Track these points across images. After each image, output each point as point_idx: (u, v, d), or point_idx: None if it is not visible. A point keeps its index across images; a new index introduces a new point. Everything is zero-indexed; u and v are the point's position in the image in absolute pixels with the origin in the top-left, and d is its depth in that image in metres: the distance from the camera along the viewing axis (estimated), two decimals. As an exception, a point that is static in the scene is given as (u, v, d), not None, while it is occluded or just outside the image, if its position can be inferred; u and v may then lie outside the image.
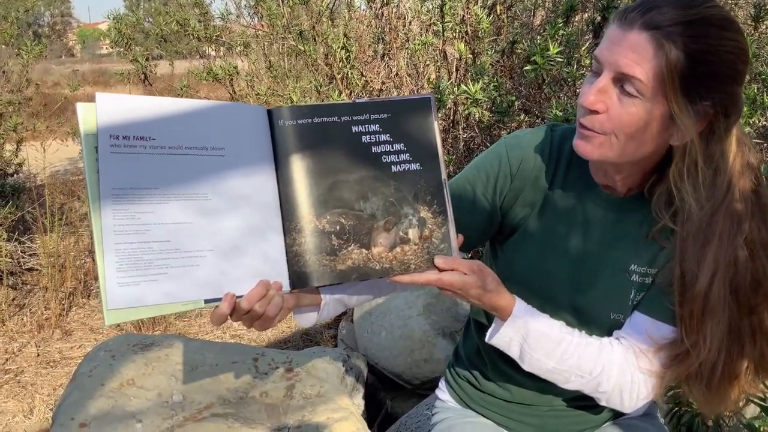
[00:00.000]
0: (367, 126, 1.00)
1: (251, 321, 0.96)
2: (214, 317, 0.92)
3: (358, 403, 2.15)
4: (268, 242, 0.95)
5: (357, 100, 1.01)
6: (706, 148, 0.98)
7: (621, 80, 0.95)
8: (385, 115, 1.01)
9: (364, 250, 0.98)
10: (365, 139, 1.00)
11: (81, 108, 0.85)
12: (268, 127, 0.97)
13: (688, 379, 1.05)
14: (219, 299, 0.91)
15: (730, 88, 0.95)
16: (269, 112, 0.97)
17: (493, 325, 1.11)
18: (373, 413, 2.40)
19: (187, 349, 2.06)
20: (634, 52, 0.93)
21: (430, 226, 1.01)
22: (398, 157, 1.01)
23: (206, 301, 0.90)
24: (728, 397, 1.06)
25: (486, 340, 1.11)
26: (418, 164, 1.02)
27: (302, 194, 0.97)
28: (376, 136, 1.00)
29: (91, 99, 0.86)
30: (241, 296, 0.92)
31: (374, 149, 1.00)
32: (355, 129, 0.99)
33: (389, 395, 2.55)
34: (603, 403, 1.13)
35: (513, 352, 1.09)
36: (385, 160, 1.00)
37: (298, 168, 0.97)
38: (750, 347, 1.03)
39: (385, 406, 2.48)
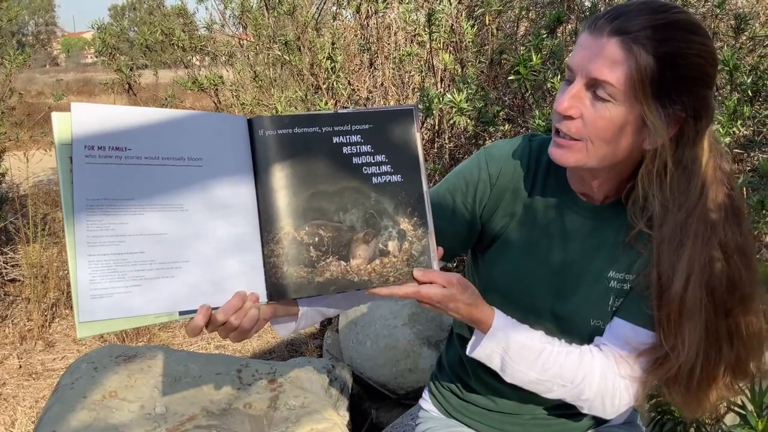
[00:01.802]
0: (348, 137, 0.99)
1: (227, 332, 0.96)
2: (189, 329, 0.91)
3: (342, 413, 2.15)
4: (246, 253, 0.94)
5: (339, 111, 1.01)
6: (676, 152, 0.99)
7: (593, 86, 0.97)
8: (367, 126, 1.00)
9: (342, 262, 0.98)
10: (346, 150, 0.99)
11: (56, 118, 0.84)
12: (248, 137, 0.96)
13: (668, 382, 1.06)
14: (194, 311, 0.90)
15: (700, 92, 0.97)
16: (249, 122, 0.96)
17: (473, 337, 1.11)
18: (358, 423, 2.39)
19: (171, 360, 2.04)
20: (604, 57, 0.95)
21: (410, 239, 1.01)
22: (379, 169, 1.00)
23: (181, 313, 0.89)
24: (707, 400, 1.07)
25: (467, 353, 1.12)
26: (399, 176, 1.01)
27: (281, 205, 0.96)
28: (358, 147, 1.00)
29: (71, 109, 0.86)
30: (216, 308, 0.92)
31: (355, 160, 0.99)
32: (336, 140, 0.99)
33: (374, 405, 2.55)
34: (585, 411, 1.14)
35: (494, 365, 1.10)
36: (366, 172, 1.00)
37: (278, 178, 0.96)
38: (727, 350, 1.04)
39: (370, 417, 2.48)
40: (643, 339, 1.07)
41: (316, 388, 2.02)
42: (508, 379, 1.10)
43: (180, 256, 0.90)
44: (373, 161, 1.00)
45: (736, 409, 1.31)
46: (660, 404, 1.68)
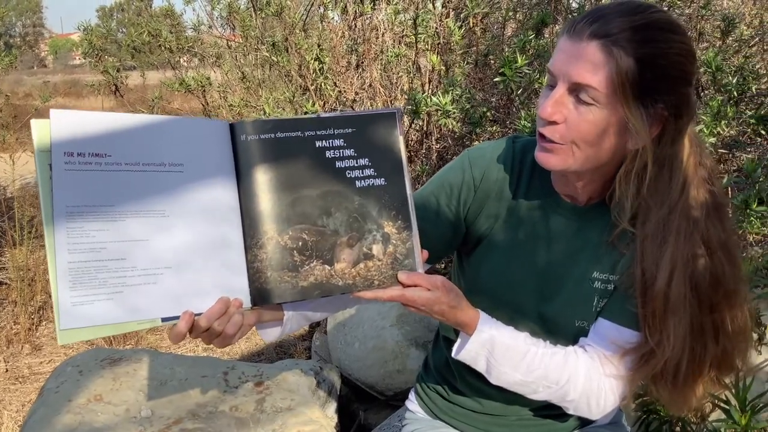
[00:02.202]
0: (331, 141, 0.99)
1: (210, 338, 0.96)
2: (172, 336, 0.91)
3: (330, 415, 2.14)
4: (229, 259, 0.94)
5: (321, 114, 1.01)
6: (657, 150, 1.00)
7: (576, 90, 0.97)
8: (350, 130, 1.00)
9: (326, 266, 0.98)
10: (329, 154, 0.99)
11: (35, 125, 0.84)
12: (230, 141, 0.96)
13: (654, 379, 1.06)
14: (177, 317, 0.90)
15: (681, 90, 0.98)
16: (231, 127, 0.96)
17: (458, 340, 1.11)
18: (347, 425, 2.39)
19: (157, 363, 2.04)
20: (585, 61, 0.95)
21: (394, 242, 1.01)
22: (363, 172, 1.00)
23: (164, 320, 0.89)
24: (693, 395, 1.07)
25: (452, 355, 1.12)
26: (382, 179, 1.01)
27: (264, 210, 0.96)
28: (341, 151, 1.00)
29: (50, 116, 0.85)
30: (200, 314, 0.91)
31: (338, 164, 0.99)
32: (319, 144, 0.99)
33: (363, 407, 2.54)
34: (571, 412, 1.14)
35: (480, 367, 1.10)
36: (349, 175, 1.00)
37: (260, 183, 0.96)
38: (713, 345, 1.04)
39: (358, 418, 2.47)
40: (628, 338, 1.07)
41: (303, 390, 2.01)
42: (493, 381, 1.11)
43: (162, 263, 0.89)
44: (356, 165, 1.00)
45: (721, 405, 1.32)
46: (646, 403, 1.69)
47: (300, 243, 0.97)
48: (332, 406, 2.20)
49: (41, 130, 0.84)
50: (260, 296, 0.96)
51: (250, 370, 2.07)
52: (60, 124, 0.84)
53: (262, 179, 0.96)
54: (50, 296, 3.60)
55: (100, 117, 0.88)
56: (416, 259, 1.02)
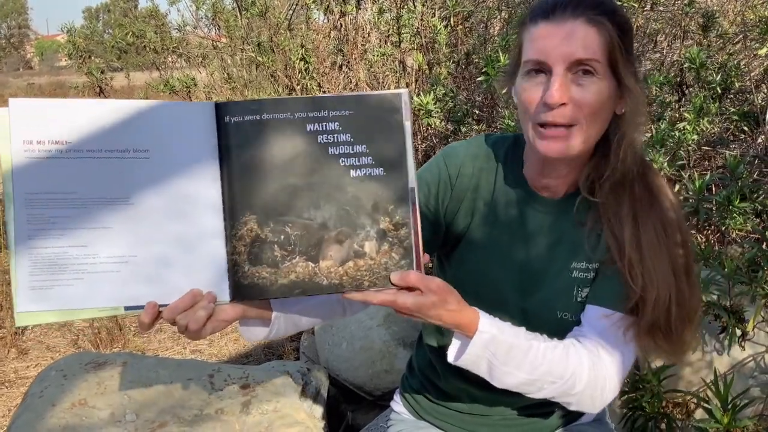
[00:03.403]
0: (324, 124, 0.91)
1: (180, 330, 0.94)
2: (139, 324, 0.92)
3: (318, 416, 2.14)
4: (206, 249, 0.92)
5: (317, 96, 0.94)
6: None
7: (576, 67, 1.00)
8: (347, 113, 0.91)
9: (311, 263, 0.91)
10: (321, 138, 0.91)
11: None
12: (215, 124, 0.91)
13: (651, 331, 1.05)
14: (141, 307, 0.89)
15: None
16: (217, 108, 0.91)
17: (456, 345, 1.05)
18: (335, 425, 2.38)
19: (141, 366, 2.02)
20: (578, 38, 0.99)
21: (390, 239, 0.92)
22: (359, 161, 0.92)
23: (127, 308, 0.89)
24: (689, 337, 1.08)
25: (450, 361, 1.05)
26: (381, 169, 0.92)
27: (246, 199, 0.90)
28: (335, 135, 0.91)
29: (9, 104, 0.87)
30: (165, 305, 0.90)
31: (331, 150, 0.91)
32: (310, 127, 0.91)
33: (351, 407, 2.54)
34: (573, 407, 1.10)
35: (481, 370, 1.04)
36: (343, 163, 0.91)
37: (244, 170, 0.90)
38: (694, 285, 1.08)
39: (346, 419, 2.47)
40: (618, 320, 1.07)
41: (289, 391, 2.01)
42: (496, 383, 1.05)
43: (127, 251, 0.89)
44: (351, 152, 0.91)
45: (703, 404, 1.33)
46: (631, 400, 1.70)
47: (282, 236, 0.90)
48: (319, 408, 2.19)
49: (1, 119, 0.85)
50: (238, 291, 0.91)
51: (236, 372, 2.06)
52: (19, 112, 0.85)
53: (245, 165, 0.90)
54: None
55: (62, 104, 0.88)
56: (414, 261, 0.93)
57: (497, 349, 1.01)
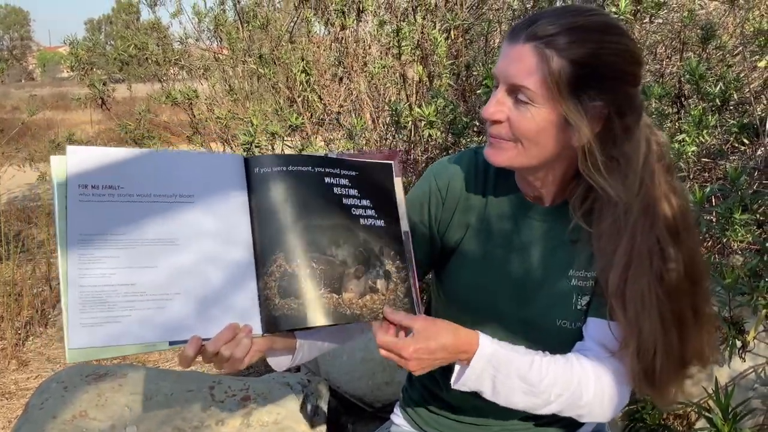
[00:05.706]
0: (338, 179, 1.04)
1: (220, 363, 0.97)
2: (180, 359, 0.94)
3: (318, 428, 2.13)
4: (240, 285, 0.97)
5: (329, 154, 1.05)
6: (606, 148, 1.02)
7: (514, 90, 1.01)
8: (354, 173, 1.06)
9: (335, 294, 0.99)
10: (337, 190, 1.04)
11: (54, 160, 0.91)
12: (244, 173, 1.01)
13: (633, 378, 1.05)
14: (185, 341, 0.93)
15: (620, 89, 1.01)
16: (246, 161, 1.01)
17: (458, 368, 1.05)
18: (335, 438, 2.38)
19: (142, 378, 2.02)
20: (520, 63, 1.00)
21: (394, 280, 1.04)
22: (365, 212, 1.05)
23: (171, 343, 0.93)
24: (675, 387, 1.06)
25: (453, 385, 1.05)
26: (382, 221, 1.06)
27: (275, 238, 0.99)
28: (346, 189, 1.04)
29: (65, 146, 0.93)
30: (208, 339, 0.94)
31: (345, 201, 1.04)
32: (327, 180, 1.03)
33: (351, 419, 2.54)
34: (585, 419, 1.09)
35: (485, 388, 1.04)
36: (354, 213, 1.04)
37: (273, 213, 0.99)
38: (688, 335, 1.04)
39: (346, 431, 2.46)
40: (617, 333, 1.06)
41: (290, 403, 2.00)
42: (502, 401, 1.05)
43: (171, 288, 0.93)
44: (359, 204, 1.05)
45: (705, 414, 1.32)
46: (632, 412, 1.70)
47: (308, 270, 0.99)
48: (320, 419, 2.19)
49: (59, 165, 0.90)
50: (271, 324, 0.98)
51: (237, 385, 2.06)
52: (75, 158, 0.91)
53: (274, 209, 0.99)
54: (37, 311, 3.59)
55: (114, 152, 0.94)
56: (414, 300, 1.05)
57: (499, 363, 1.02)
